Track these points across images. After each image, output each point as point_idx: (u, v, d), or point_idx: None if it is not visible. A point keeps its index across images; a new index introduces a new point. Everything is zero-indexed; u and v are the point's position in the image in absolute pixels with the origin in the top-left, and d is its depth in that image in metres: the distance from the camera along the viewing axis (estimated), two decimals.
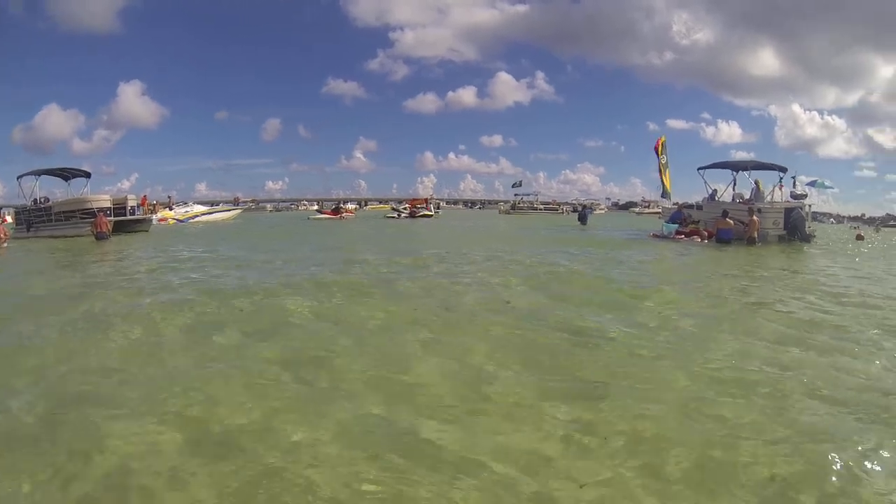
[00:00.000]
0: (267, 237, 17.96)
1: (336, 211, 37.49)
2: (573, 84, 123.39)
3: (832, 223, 49.44)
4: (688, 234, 15.68)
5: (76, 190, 20.21)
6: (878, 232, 33.54)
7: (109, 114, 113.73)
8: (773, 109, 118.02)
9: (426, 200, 55.69)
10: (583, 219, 28.27)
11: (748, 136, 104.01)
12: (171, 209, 28.23)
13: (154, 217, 22.97)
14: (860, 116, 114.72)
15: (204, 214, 29.54)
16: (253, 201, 78.33)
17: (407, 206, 44.35)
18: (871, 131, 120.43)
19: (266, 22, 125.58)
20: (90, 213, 17.71)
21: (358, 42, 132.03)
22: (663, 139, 25.35)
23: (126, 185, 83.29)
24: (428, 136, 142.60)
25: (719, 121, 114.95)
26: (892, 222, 62.13)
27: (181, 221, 26.72)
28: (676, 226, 16.67)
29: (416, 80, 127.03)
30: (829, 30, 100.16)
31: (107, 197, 18.99)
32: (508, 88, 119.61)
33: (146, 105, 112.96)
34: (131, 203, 19.53)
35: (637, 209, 69.72)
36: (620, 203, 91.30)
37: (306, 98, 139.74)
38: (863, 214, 72.83)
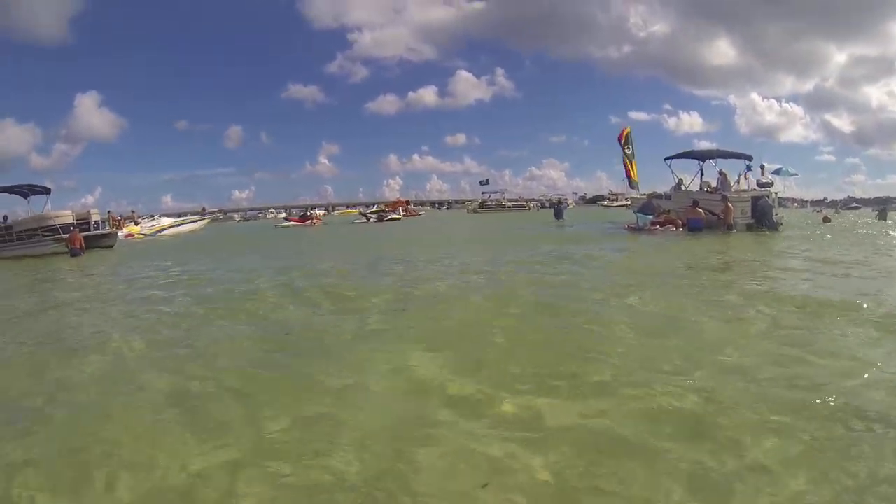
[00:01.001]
0: (231, 251, 15.64)
1: (304, 217, 37.12)
2: (533, 80, 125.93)
3: (796, 207, 51.39)
4: (662, 224, 16.05)
5: (36, 207, 19.43)
6: (838, 213, 36.18)
7: (67, 127, 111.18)
8: (733, 98, 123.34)
9: (407, 202, 56.52)
10: (558, 214, 28.63)
11: (709, 126, 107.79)
12: (136, 223, 27.34)
13: (120, 233, 22.21)
14: (817, 102, 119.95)
15: (171, 227, 28.77)
16: (220, 211, 76.56)
17: (387, 208, 45.78)
18: (828, 116, 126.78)
19: (222, 26, 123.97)
20: (53, 230, 17.21)
21: (316, 45, 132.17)
22: (628, 130, 25.78)
23: (90, 199, 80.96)
24: (390, 138, 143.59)
25: (680, 111, 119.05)
26: (853, 204, 65.20)
27: (149, 236, 25.93)
28: (651, 216, 17.00)
29: (376, 81, 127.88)
30: (782, 19, 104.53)
31: (68, 213, 18.33)
32: (469, 86, 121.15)
33: (104, 117, 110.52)
34: (94, 218, 18.94)
35: (605, 202, 70.43)
36: (588, 197, 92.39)
37: (267, 104, 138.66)
38: (825, 198, 76.15)
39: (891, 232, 16.19)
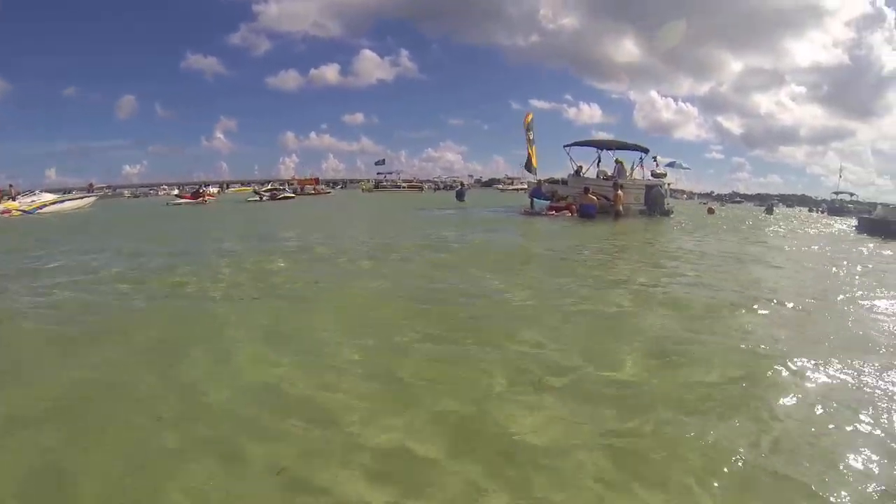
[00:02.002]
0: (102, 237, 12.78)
1: (196, 195, 35.68)
2: (438, 63, 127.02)
3: (685, 198, 56.50)
4: (559, 210, 16.91)
5: None
6: (723, 206, 41.46)
7: None
8: (633, 94, 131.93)
9: (317, 181, 55.46)
10: (460, 196, 29.34)
11: (608, 118, 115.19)
12: (13, 199, 24.78)
13: None
14: (711, 105, 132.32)
15: (54, 203, 26.35)
16: (109, 187, 69.80)
17: (296, 184, 45.73)
18: (720, 118, 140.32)
19: None
20: None
21: (219, 14, 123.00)
22: (531, 116, 27.03)
23: None
24: (289, 115, 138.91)
25: (581, 102, 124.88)
26: (737, 199, 73.95)
27: (27, 212, 23.68)
28: (548, 201, 17.88)
29: (279, 55, 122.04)
30: (686, 25, 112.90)
31: None
32: (372, 66, 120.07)
33: None
34: None
35: (501, 186, 71.95)
36: (483, 180, 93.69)
37: (163, 73, 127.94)
38: (712, 192, 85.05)
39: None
